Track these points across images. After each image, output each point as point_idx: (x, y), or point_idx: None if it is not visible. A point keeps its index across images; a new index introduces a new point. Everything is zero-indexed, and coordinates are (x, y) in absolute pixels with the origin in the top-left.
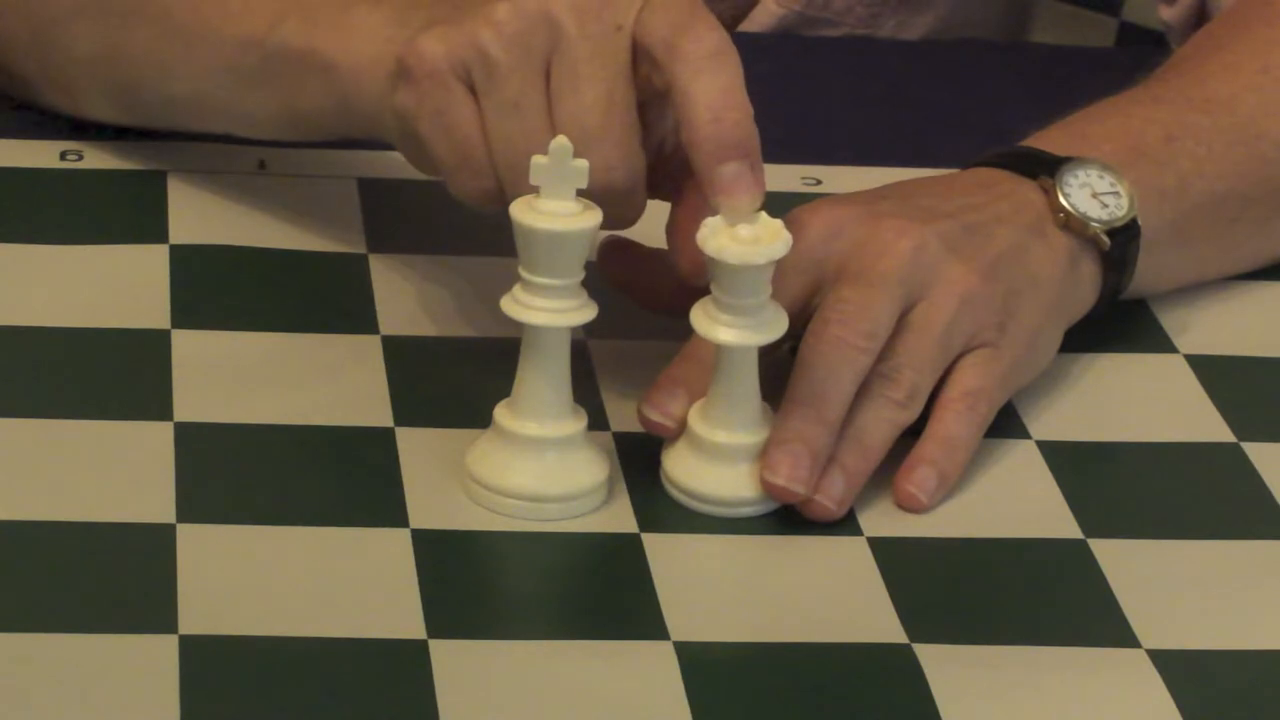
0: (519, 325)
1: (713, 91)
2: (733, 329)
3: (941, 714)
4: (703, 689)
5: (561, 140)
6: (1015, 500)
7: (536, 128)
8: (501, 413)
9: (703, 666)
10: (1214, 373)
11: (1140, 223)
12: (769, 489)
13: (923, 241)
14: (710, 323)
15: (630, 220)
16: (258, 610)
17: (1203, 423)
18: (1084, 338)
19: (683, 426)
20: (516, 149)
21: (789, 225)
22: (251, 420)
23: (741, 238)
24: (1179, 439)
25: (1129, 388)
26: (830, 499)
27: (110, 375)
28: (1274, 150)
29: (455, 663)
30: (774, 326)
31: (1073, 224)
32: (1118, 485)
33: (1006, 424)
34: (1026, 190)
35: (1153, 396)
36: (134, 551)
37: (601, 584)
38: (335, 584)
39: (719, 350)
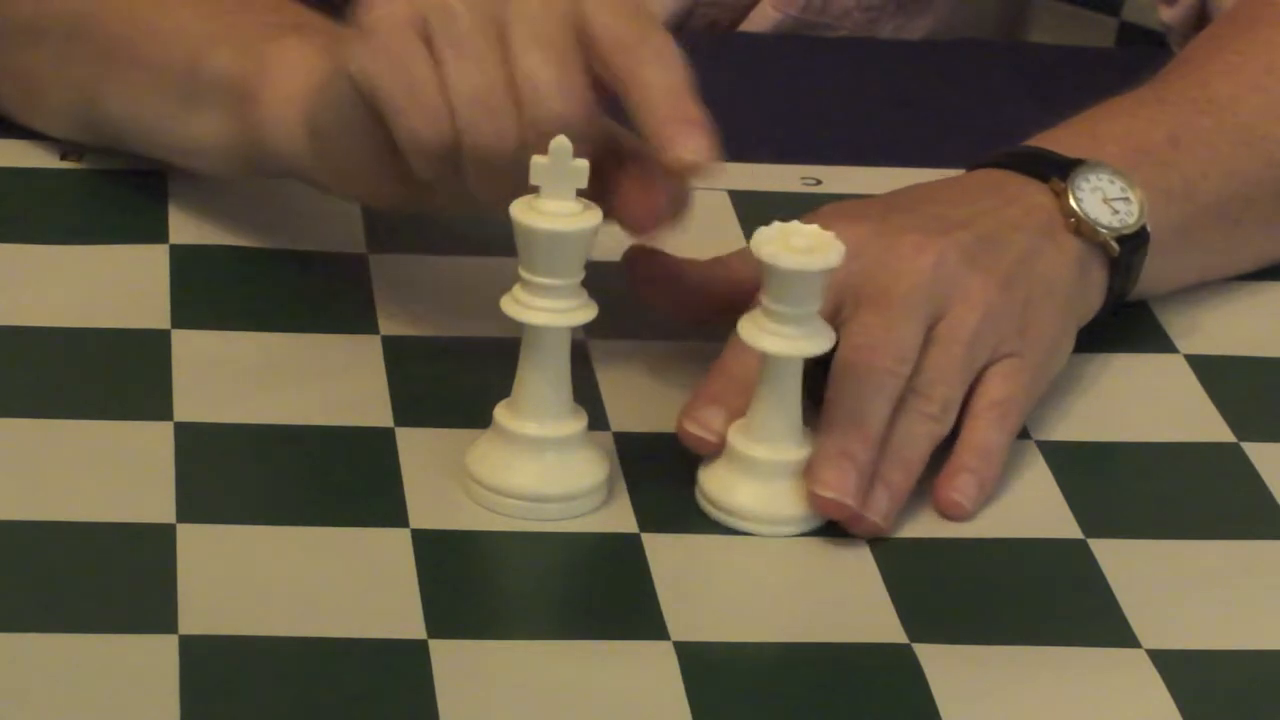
0: (519, 325)
1: (668, 80)
2: (780, 338)
3: (941, 714)
4: (703, 689)
5: (561, 140)
6: (1015, 500)
7: (493, 73)
8: (501, 413)
9: (703, 666)
10: (1214, 373)
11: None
12: (818, 504)
13: (941, 256)
14: (758, 331)
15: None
16: (258, 610)
17: (1203, 423)
18: (1085, 338)
19: (723, 441)
20: (473, 90)
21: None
22: (251, 420)
23: (795, 247)
24: (1179, 439)
25: (1129, 388)
26: (877, 514)
27: (110, 375)
28: (1278, 151)
29: (455, 663)
30: (821, 339)
31: (1083, 229)
32: (1118, 485)
33: None
34: (1037, 193)
35: (1153, 396)
36: (134, 551)
37: (601, 584)
38: (335, 584)
39: (764, 360)
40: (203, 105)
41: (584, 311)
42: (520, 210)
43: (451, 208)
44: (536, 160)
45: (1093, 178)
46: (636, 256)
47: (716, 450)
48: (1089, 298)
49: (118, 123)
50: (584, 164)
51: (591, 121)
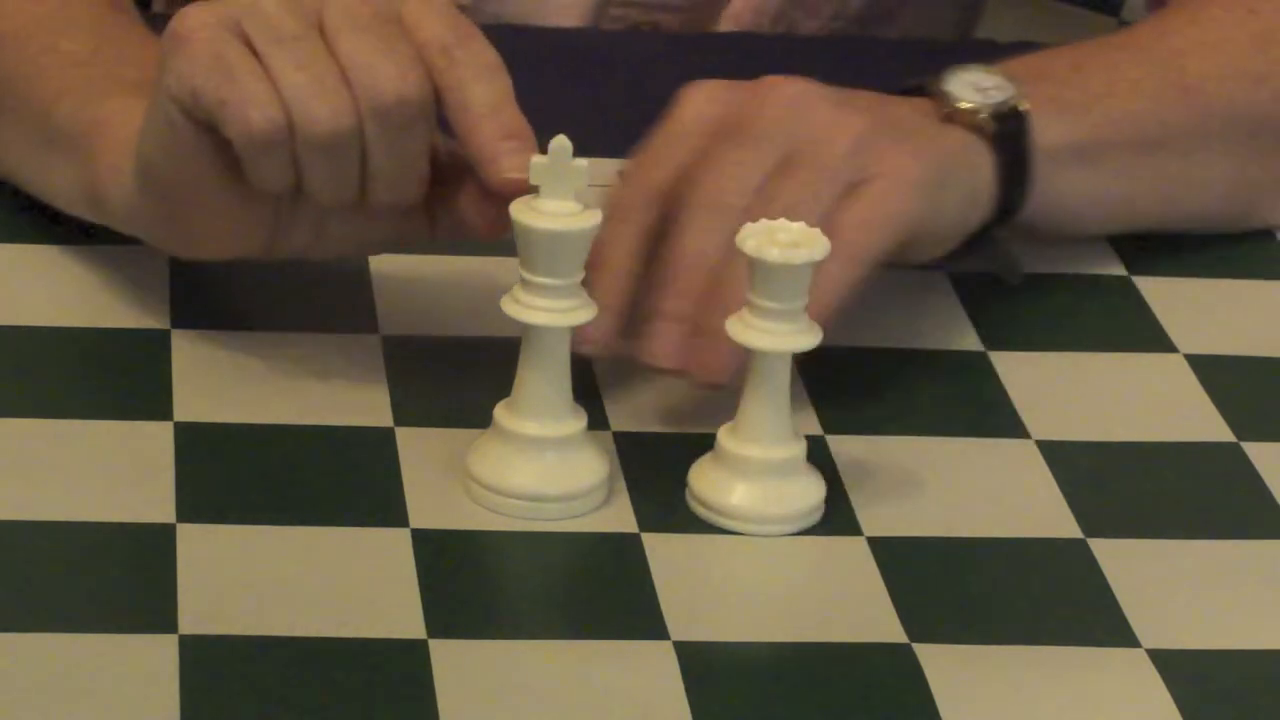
0: (519, 325)
1: (492, 93)
2: (768, 334)
3: (941, 714)
4: (703, 689)
5: (561, 140)
6: (1015, 500)
7: (321, 59)
8: (501, 412)
9: (703, 666)
10: (1214, 373)
11: (1037, 134)
12: (650, 367)
13: (805, 91)
14: (745, 329)
15: (423, 145)
16: (258, 610)
17: (1203, 423)
18: (1084, 337)
19: (608, 340)
20: (301, 75)
21: (672, 101)
22: (251, 420)
23: (780, 241)
24: (1179, 439)
25: (1129, 388)
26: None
27: (110, 375)
28: (1196, 80)
29: (455, 663)
30: (810, 334)
31: (958, 117)
32: (1118, 485)
33: (1006, 424)
34: (915, 100)
35: (1153, 396)
36: (134, 551)
37: (601, 584)
38: (335, 584)
39: (753, 357)
40: (53, 155)
41: (584, 311)
42: (519, 210)
43: (306, 251)
44: (536, 160)
45: (963, 74)
46: None
47: (605, 353)
48: (980, 184)
49: (2, 166)
50: (584, 164)
51: (428, 101)
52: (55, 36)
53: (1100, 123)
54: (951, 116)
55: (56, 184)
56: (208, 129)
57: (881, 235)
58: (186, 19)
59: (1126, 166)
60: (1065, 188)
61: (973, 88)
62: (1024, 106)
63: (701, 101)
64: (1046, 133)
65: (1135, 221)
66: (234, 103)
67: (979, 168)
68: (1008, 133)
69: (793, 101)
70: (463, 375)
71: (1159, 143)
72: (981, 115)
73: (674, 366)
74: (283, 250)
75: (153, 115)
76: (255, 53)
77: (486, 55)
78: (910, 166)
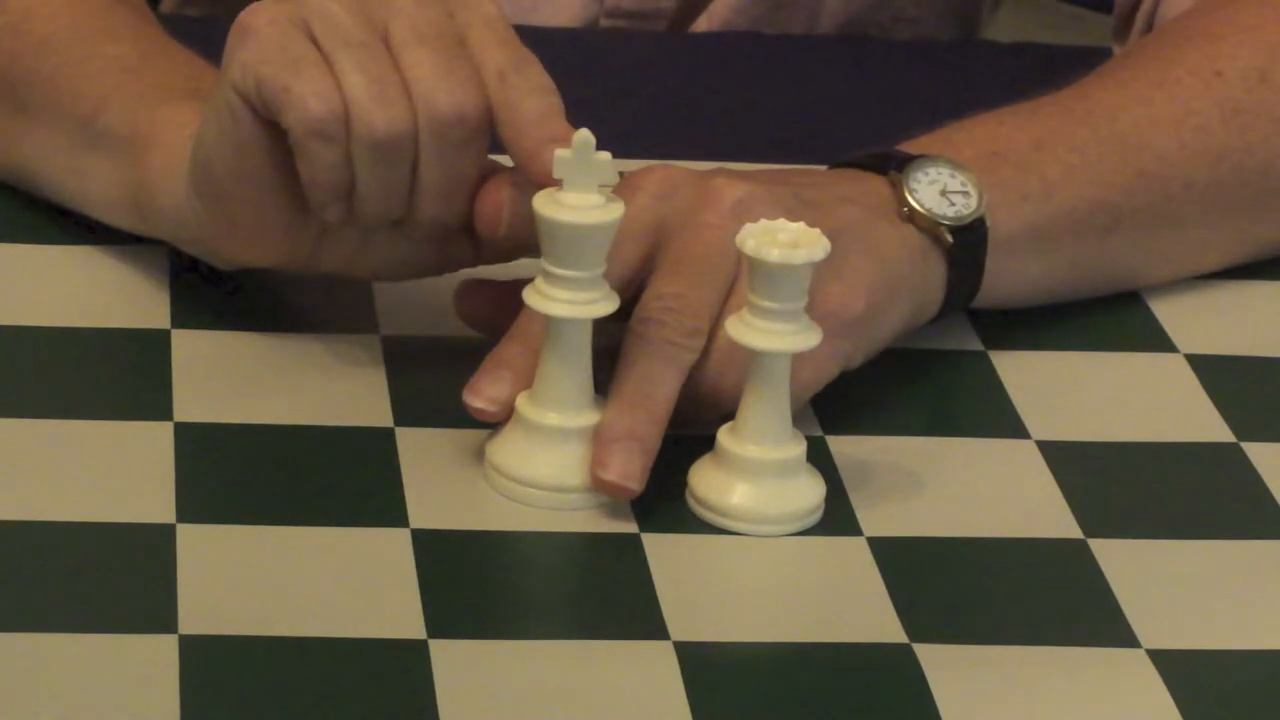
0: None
1: (544, 106)
2: (769, 335)
3: (941, 714)
4: (703, 689)
5: (584, 134)
6: (1015, 500)
7: (384, 65)
8: (523, 403)
9: (703, 666)
10: (1214, 373)
11: (994, 224)
12: (600, 485)
13: (749, 196)
14: (745, 329)
15: (474, 164)
16: (258, 610)
17: (1203, 423)
18: (1084, 337)
19: (508, 411)
20: (364, 77)
21: (622, 189)
22: (251, 420)
23: (780, 242)
24: (1179, 439)
25: (1129, 388)
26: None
27: (110, 375)
28: (1155, 163)
29: (455, 663)
30: (810, 334)
31: (916, 218)
32: (1118, 485)
33: (1006, 424)
34: (874, 182)
35: (1153, 396)
36: (134, 551)
37: (601, 584)
38: (335, 584)
39: (753, 358)
40: (96, 158)
41: (606, 304)
42: (543, 203)
43: (348, 267)
44: (560, 154)
45: (931, 170)
46: (465, 291)
47: (501, 420)
48: (929, 287)
49: (25, 171)
50: (607, 157)
51: (483, 121)
52: (101, 42)
53: (1056, 212)
54: (912, 218)
55: (95, 188)
56: (267, 123)
57: (815, 383)
58: (256, 13)
59: (1078, 251)
60: (1015, 273)
61: (938, 192)
62: (985, 217)
63: (643, 203)
64: (1003, 221)
65: (1083, 295)
66: (296, 90)
67: (930, 273)
68: (966, 243)
69: (737, 208)
70: (463, 375)
71: (1112, 229)
72: (942, 226)
73: (636, 489)
74: (325, 263)
75: (215, 107)
76: (320, 52)
77: (541, 79)
78: (855, 301)
